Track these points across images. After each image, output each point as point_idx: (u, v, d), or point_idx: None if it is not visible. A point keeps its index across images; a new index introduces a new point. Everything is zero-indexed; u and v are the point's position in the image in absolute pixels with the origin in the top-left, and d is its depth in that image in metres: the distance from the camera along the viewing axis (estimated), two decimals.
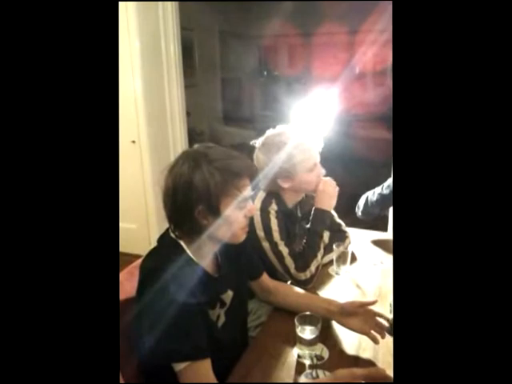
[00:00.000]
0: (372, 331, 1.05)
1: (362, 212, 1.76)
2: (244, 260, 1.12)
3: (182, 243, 0.97)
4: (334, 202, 1.45)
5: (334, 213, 1.62)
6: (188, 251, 0.96)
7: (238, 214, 0.96)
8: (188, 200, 0.90)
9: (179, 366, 0.87)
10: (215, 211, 0.92)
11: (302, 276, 1.33)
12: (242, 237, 1.01)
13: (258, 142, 1.42)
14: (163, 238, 1.01)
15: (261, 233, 1.34)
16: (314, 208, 1.44)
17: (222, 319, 1.02)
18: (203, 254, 0.99)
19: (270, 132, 1.42)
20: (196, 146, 0.98)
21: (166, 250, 0.98)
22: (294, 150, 1.35)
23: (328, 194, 1.44)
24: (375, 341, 1.04)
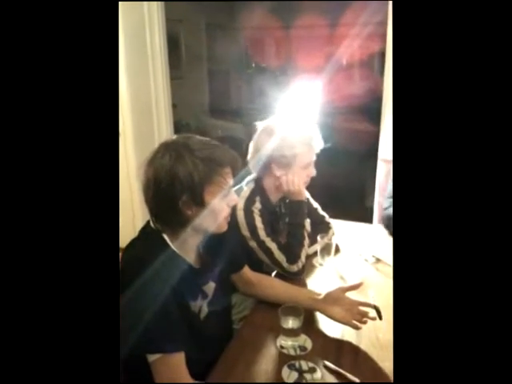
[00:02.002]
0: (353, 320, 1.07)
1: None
2: (226, 252, 1.12)
3: (163, 234, 0.96)
4: (301, 188, 1.40)
5: (317, 205, 1.63)
6: (169, 242, 0.96)
7: (223, 202, 0.96)
8: (172, 191, 0.89)
9: (152, 357, 0.87)
10: (200, 201, 0.91)
11: (295, 267, 1.33)
12: (225, 226, 1.01)
13: (261, 124, 1.41)
14: (145, 230, 1.00)
15: (246, 233, 1.33)
16: (288, 201, 1.43)
17: (205, 311, 1.02)
18: (185, 245, 0.98)
19: (276, 118, 1.42)
20: (174, 136, 0.97)
21: (147, 241, 0.97)
22: (296, 141, 1.35)
23: (290, 184, 1.38)
24: (356, 327, 1.06)
